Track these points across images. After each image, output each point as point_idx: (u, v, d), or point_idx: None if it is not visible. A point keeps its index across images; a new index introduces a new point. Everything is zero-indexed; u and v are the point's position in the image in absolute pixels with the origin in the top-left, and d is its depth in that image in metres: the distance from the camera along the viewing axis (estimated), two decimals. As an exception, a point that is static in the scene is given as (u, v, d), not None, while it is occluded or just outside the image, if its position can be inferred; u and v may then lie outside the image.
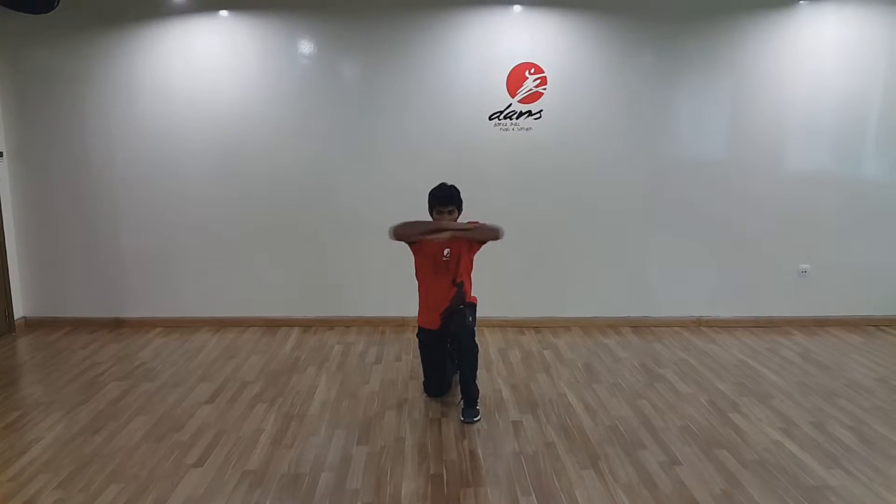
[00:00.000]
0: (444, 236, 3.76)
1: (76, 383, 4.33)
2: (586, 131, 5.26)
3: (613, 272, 5.48)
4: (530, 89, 5.18)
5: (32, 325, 5.59)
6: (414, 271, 3.99)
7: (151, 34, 5.16)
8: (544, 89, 5.18)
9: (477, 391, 3.83)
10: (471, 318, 3.88)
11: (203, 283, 5.53)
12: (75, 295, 5.56)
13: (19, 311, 5.55)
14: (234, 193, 5.37)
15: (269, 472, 3.19)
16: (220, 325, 5.54)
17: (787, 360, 4.73)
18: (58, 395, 4.15)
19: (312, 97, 5.23)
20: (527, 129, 5.24)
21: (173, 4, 5.11)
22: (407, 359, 4.76)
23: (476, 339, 3.87)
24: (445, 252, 3.83)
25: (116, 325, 5.55)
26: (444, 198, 3.82)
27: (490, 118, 5.23)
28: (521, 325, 5.50)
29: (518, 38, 5.14)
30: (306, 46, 5.19)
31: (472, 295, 4.04)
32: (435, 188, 3.88)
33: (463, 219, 3.92)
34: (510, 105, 5.21)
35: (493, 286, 5.35)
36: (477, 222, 3.86)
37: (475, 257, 3.97)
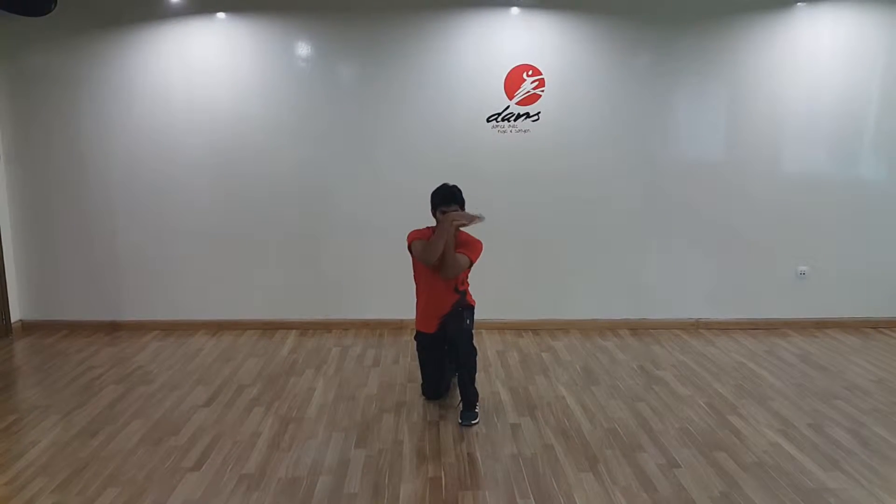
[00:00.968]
0: (456, 223, 3.71)
1: (73, 386, 4.32)
2: (584, 133, 5.26)
3: (612, 274, 5.48)
4: (528, 91, 5.18)
5: (29, 328, 5.57)
6: (413, 275, 3.98)
7: (149, 36, 5.15)
8: (542, 91, 5.18)
9: (476, 394, 3.82)
10: (468, 321, 3.87)
11: (200, 286, 5.52)
12: (72, 298, 5.54)
13: (16, 313, 5.54)
14: (232, 196, 5.37)
15: (267, 476, 3.18)
16: (217, 327, 5.53)
17: (785, 362, 4.73)
18: (54, 398, 4.13)
19: (310, 99, 5.22)
20: (524, 131, 5.24)
21: (170, 6, 5.10)
22: (405, 361, 4.75)
23: (474, 342, 3.86)
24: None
25: (113, 328, 5.53)
26: (447, 197, 3.80)
27: (488, 120, 5.22)
28: (520, 328, 5.49)
29: (516, 39, 5.14)
30: (304, 48, 5.19)
31: (471, 297, 4.03)
32: (437, 188, 3.87)
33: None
34: (508, 107, 5.21)
35: (492, 288, 5.34)
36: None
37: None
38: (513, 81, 5.17)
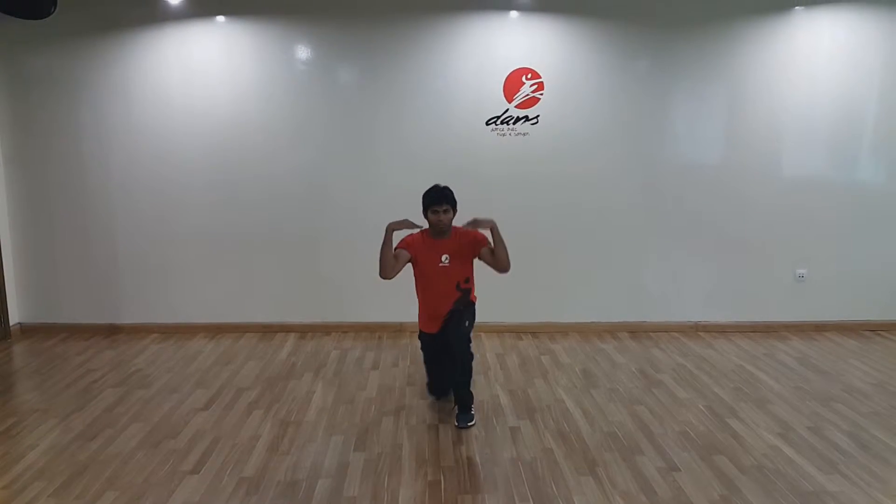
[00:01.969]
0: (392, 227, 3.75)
1: (72, 390, 4.31)
2: (583, 136, 5.27)
3: (611, 277, 5.48)
4: (527, 95, 5.19)
5: (28, 331, 5.57)
6: (414, 282, 3.97)
7: (148, 39, 5.16)
8: (541, 94, 5.19)
9: (471, 396, 3.82)
10: (468, 323, 3.86)
11: (199, 289, 5.52)
12: (71, 301, 5.54)
13: (15, 317, 5.53)
14: (231, 199, 5.37)
15: (266, 479, 3.18)
16: (216, 330, 5.52)
17: (784, 365, 4.73)
18: (53, 401, 4.13)
19: (309, 102, 5.23)
20: (524, 135, 5.24)
21: (170, 10, 5.10)
22: (404, 364, 4.75)
23: (471, 345, 3.86)
24: (444, 258, 3.81)
25: (112, 332, 5.53)
26: (438, 197, 3.77)
27: (487, 123, 5.23)
28: (519, 331, 5.49)
29: (515, 43, 5.15)
30: (303, 52, 5.20)
31: (475, 294, 4.02)
32: (428, 189, 3.84)
33: (458, 220, 3.89)
34: (507, 110, 5.21)
35: (491, 291, 5.33)
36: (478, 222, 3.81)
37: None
38: (512, 85, 5.18)
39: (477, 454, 3.42)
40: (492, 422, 3.79)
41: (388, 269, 3.75)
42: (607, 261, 5.46)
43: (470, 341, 3.86)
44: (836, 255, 5.44)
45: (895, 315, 5.54)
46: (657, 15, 5.11)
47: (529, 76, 5.17)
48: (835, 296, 5.50)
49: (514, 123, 5.23)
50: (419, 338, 4.09)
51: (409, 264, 3.90)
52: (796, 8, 5.12)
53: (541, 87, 5.18)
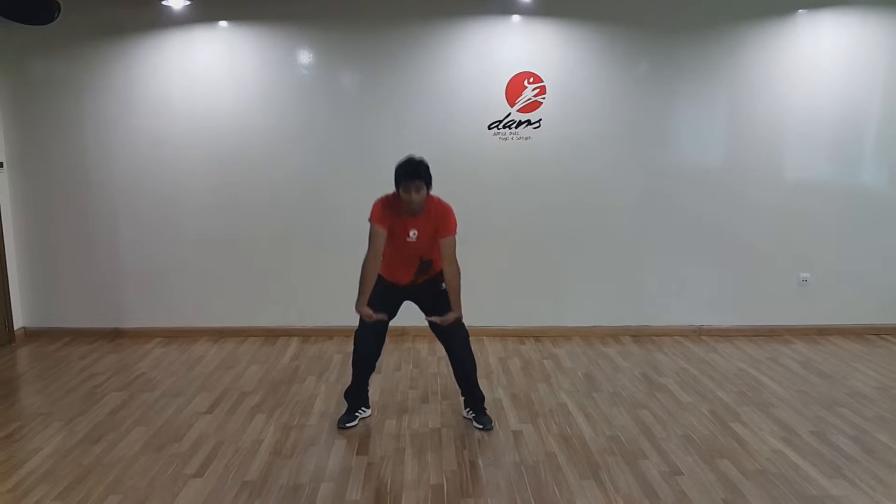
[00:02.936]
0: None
1: (75, 394, 4.32)
2: (585, 140, 5.27)
3: (613, 281, 5.48)
4: (529, 98, 5.19)
5: (32, 335, 5.58)
6: None
7: (150, 45, 5.18)
8: (543, 98, 5.19)
9: (482, 393, 3.85)
10: (465, 331, 3.79)
11: (202, 293, 5.52)
12: (75, 305, 5.55)
13: (19, 321, 5.54)
14: (233, 203, 5.38)
15: (269, 483, 3.18)
16: (219, 334, 5.53)
17: (787, 368, 4.72)
18: (57, 405, 4.14)
19: (311, 107, 5.24)
20: (526, 139, 5.25)
21: (172, 15, 5.12)
22: (407, 368, 4.75)
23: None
24: (412, 233, 3.60)
25: (115, 336, 5.54)
26: (411, 172, 3.52)
27: (489, 127, 5.24)
28: (521, 335, 5.49)
29: (517, 47, 5.16)
30: (305, 57, 5.21)
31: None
32: (401, 162, 3.60)
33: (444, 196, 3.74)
34: (509, 114, 5.22)
35: (493, 295, 5.35)
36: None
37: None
38: (514, 89, 5.19)
39: (479, 458, 3.42)
40: (494, 425, 3.79)
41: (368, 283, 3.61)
42: (610, 264, 5.45)
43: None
44: (840, 259, 5.42)
45: (899, 318, 5.53)
46: (659, 18, 5.12)
47: (531, 80, 5.17)
48: (838, 299, 5.48)
49: (516, 127, 5.23)
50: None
51: None
52: (799, 11, 5.13)
53: (543, 90, 5.19)
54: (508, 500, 3.02)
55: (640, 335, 5.48)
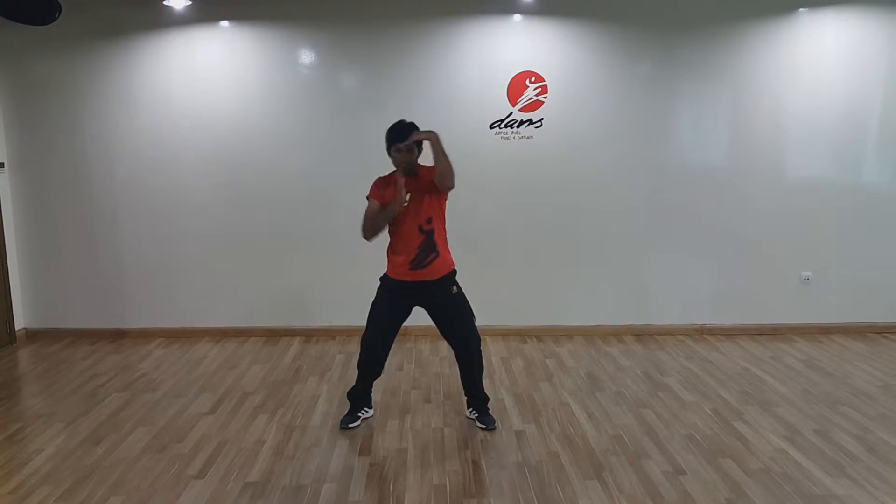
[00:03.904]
0: (399, 182, 3.51)
1: (77, 394, 4.32)
2: (587, 139, 5.27)
3: (615, 280, 5.47)
4: (531, 98, 5.19)
5: (33, 336, 5.58)
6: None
7: (152, 45, 5.18)
8: (545, 98, 5.19)
9: (485, 392, 3.85)
10: (457, 288, 3.69)
11: (204, 294, 5.52)
12: (76, 306, 5.55)
13: (20, 322, 5.55)
14: (235, 203, 5.38)
15: (271, 484, 3.18)
16: (221, 335, 5.53)
17: (790, 367, 4.71)
18: (59, 406, 4.13)
19: (313, 107, 5.24)
20: (528, 138, 5.24)
21: (174, 15, 5.12)
22: (409, 368, 4.75)
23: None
24: (406, 197, 3.54)
25: (117, 336, 5.54)
26: (404, 131, 3.58)
27: (491, 127, 5.23)
28: (524, 334, 5.48)
29: (518, 46, 5.15)
30: (306, 57, 5.21)
31: (451, 258, 3.72)
32: (392, 126, 3.64)
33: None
34: (511, 114, 5.21)
35: (495, 295, 5.35)
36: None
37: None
38: (515, 88, 5.18)
39: (482, 458, 3.42)
40: (497, 425, 3.78)
41: (375, 231, 3.60)
42: (612, 264, 5.45)
43: (473, 318, 3.70)
44: (841, 257, 5.42)
45: (901, 317, 5.52)
46: (661, 17, 5.11)
47: (533, 79, 5.17)
48: (840, 298, 5.47)
49: (517, 127, 5.23)
50: (380, 279, 3.73)
51: None
52: (800, 10, 5.12)
53: (544, 90, 5.18)
54: (511, 501, 3.01)
55: (643, 334, 5.47)
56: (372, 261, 5.32)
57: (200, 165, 5.32)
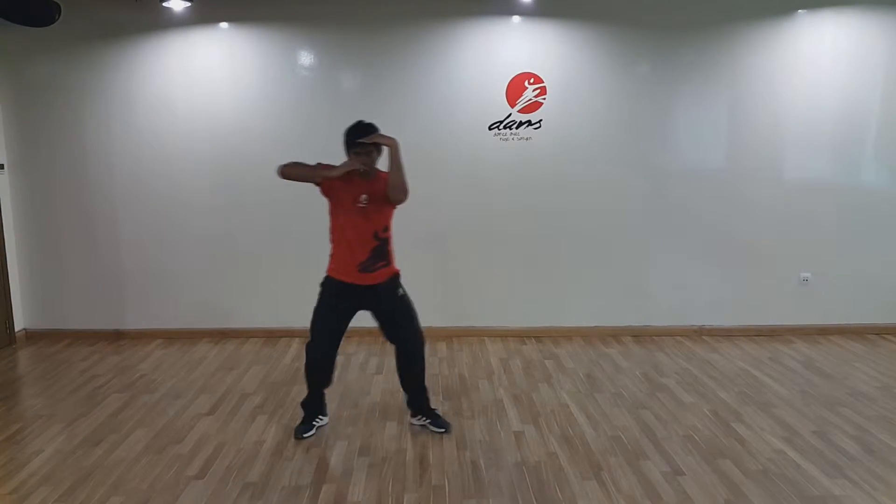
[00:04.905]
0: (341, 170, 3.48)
1: (76, 395, 4.32)
2: (586, 141, 5.27)
3: (614, 281, 5.47)
4: (530, 99, 5.19)
5: (33, 336, 5.58)
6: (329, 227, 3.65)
7: (151, 46, 5.18)
8: (544, 99, 5.19)
9: (427, 392, 3.78)
10: (401, 290, 3.64)
11: (203, 295, 5.52)
12: (76, 307, 5.55)
13: (20, 322, 5.54)
14: (234, 205, 5.38)
15: (270, 485, 3.18)
16: (220, 336, 5.53)
17: (789, 368, 4.72)
18: (58, 407, 4.14)
19: (312, 108, 5.24)
20: (526, 139, 5.25)
21: (173, 17, 5.12)
22: (408, 369, 4.75)
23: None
24: (362, 198, 3.48)
25: (116, 337, 5.54)
26: (366, 129, 3.54)
27: (490, 128, 5.24)
28: (522, 335, 5.49)
29: (517, 48, 5.16)
30: (306, 58, 5.21)
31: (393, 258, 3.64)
32: (352, 125, 3.56)
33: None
34: (510, 115, 5.22)
35: (494, 296, 5.35)
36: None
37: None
38: (514, 89, 5.19)
39: (481, 459, 3.42)
40: (496, 426, 3.79)
41: (294, 177, 3.59)
42: (611, 265, 5.45)
43: (416, 315, 3.66)
44: (840, 258, 5.42)
45: (900, 318, 5.53)
46: (659, 18, 5.12)
47: (532, 81, 5.17)
48: (839, 299, 5.48)
49: (516, 128, 5.23)
50: (322, 284, 3.61)
51: (328, 205, 3.64)
52: (799, 11, 5.13)
53: (543, 91, 5.19)
54: (510, 501, 3.02)
55: (642, 335, 5.47)
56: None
57: (200, 166, 5.32)
